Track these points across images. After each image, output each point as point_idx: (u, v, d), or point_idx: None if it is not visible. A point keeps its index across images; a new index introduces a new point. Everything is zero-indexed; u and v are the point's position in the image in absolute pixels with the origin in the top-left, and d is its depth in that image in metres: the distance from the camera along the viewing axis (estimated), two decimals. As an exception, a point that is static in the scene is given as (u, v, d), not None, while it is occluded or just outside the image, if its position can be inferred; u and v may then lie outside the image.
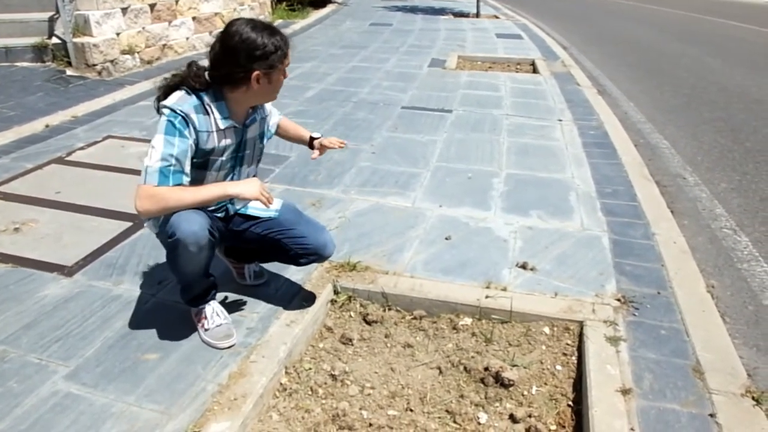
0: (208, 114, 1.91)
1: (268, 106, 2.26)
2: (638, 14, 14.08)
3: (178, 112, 1.85)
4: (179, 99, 1.88)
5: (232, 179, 2.08)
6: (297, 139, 2.46)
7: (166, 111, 1.86)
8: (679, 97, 6.20)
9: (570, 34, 10.61)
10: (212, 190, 1.90)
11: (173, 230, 1.84)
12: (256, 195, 1.89)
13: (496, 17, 12.56)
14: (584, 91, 6.06)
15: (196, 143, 1.90)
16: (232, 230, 2.18)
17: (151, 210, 1.84)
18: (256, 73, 1.86)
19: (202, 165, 1.96)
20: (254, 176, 2.24)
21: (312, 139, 2.42)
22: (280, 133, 2.42)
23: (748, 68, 7.60)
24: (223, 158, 2.00)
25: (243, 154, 2.08)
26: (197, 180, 1.97)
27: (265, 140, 2.22)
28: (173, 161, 1.83)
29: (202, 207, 1.93)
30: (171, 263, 1.99)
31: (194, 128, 1.87)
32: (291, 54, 1.96)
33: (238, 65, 1.85)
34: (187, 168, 1.88)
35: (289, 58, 1.94)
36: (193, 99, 1.89)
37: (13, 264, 2.60)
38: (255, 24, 1.88)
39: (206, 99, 1.91)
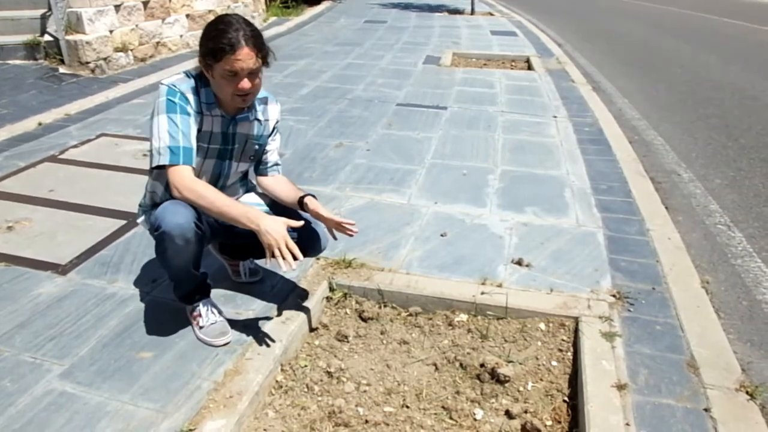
0: (199, 96, 1.94)
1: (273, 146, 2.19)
2: (632, 11, 14.10)
3: (177, 89, 1.89)
4: (179, 79, 1.93)
5: (220, 172, 2.08)
6: (285, 201, 2.16)
7: (164, 89, 1.89)
8: (674, 93, 6.22)
9: (564, 31, 10.61)
10: (243, 213, 1.82)
11: (159, 223, 1.85)
12: (268, 241, 1.76)
13: (491, 14, 12.56)
14: (579, 88, 6.07)
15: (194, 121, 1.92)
16: (224, 225, 2.16)
17: (185, 198, 1.82)
18: (199, 57, 1.89)
19: None
20: (245, 173, 2.23)
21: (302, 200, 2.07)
22: (264, 188, 2.23)
23: (742, 65, 7.62)
24: (208, 146, 2.00)
25: (232, 148, 2.07)
26: None
27: (261, 143, 2.15)
28: (180, 137, 1.85)
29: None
30: (159, 257, 1.99)
31: (192, 107, 1.91)
32: (234, 64, 1.80)
33: (198, 50, 1.90)
34: (194, 144, 1.90)
35: (227, 63, 1.80)
36: (191, 81, 1.94)
37: (6, 263, 2.58)
38: (232, 19, 1.87)
39: (199, 83, 1.95)
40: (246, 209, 1.86)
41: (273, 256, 1.79)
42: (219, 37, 1.81)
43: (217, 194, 1.87)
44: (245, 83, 1.86)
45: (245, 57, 1.82)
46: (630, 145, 4.40)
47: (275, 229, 1.79)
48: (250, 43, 1.83)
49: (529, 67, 7.14)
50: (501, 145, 4.22)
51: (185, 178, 1.83)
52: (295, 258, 1.79)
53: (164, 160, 1.84)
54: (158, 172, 2.04)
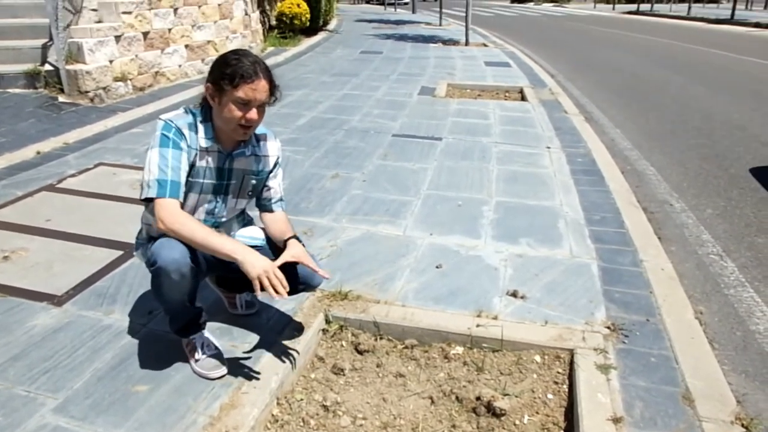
0: (196, 133, 1.97)
1: (274, 182, 2.21)
2: (622, 42, 14.38)
3: (173, 124, 1.92)
4: (177, 115, 1.97)
5: (215, 207, 2.09)
6: (276, 240, 2.15)
7: (160, 123, 1.92)
8: (665, 123, 6.32)
9: (557, 62, 10.80)
10: (225, 243, 1.87)
11: (154, 258, 1.87)
12: (256, 273, 1.79)
13: (485, 45, 12.78)
14: (572, 119, 6.16)
15: (188, 156, 1.95)
16: (220, 259, 2.17)
17: (168, 228, 1.85)
18: (208, 84, 1.93)
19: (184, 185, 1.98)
20: (243, 209, 2.25)
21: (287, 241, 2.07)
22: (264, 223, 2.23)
23: (731, 95, 7.76)
24: (204, 181, 2.02)
25: (228, 183, 2.08)
26: None
27: (260, 178, 2.17)
28: (169, 171, 1.88)
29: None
30: (155, 291, 2.00)
31: (187, 143, 1.94)
32: (249, 92, 1.86)
33: (207, 78, 1.95)
34: (183, 179, 1.92)
35: (242, 90, 1.85)
36: (189, 117, 1.97)
37: (1, 293, 2.58)
38: (249, 52, 1.95)
39: (198, 119, 1.98)
40: (227, 242, 1.89)
41: (262, 289, 1.81)
42: (239, 65, 1.87)
43: (200, 226, 1.89)
44: (253, 114, 1.91)
45: (261, 89, 1.89)
46: (622, 175, 4.46)
47: (257, 263, 1.82)
48: (266, 77, 1.91)
49: (523, 98, 7.25)
50: (495, 176, 4.27)
51: (170, 212, 1.86)
52: (281, 288, 1.82)
53: (152, 192, 1.87)
54: (153, 206, 2.06)
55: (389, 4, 25.34)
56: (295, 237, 2.10)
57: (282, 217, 2.22)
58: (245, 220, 2.30)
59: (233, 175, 2.09)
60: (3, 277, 2.73)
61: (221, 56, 1.95)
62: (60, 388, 2.01)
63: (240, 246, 1.89)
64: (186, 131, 1.94)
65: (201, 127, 1.98)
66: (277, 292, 1.82)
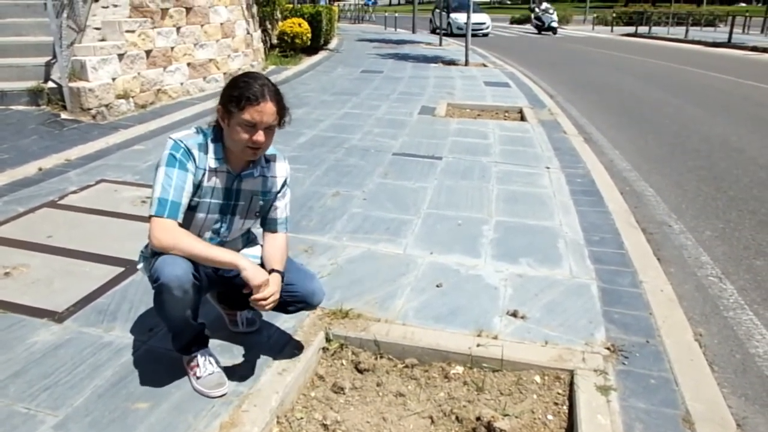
0: (206, 153, 1.99)
1: (281, 202, 2.21)
2: (621, 64, 14.54)
3: (182, 144, 1.94)
4: (187, 135, 1.99)
5: (221, 227, 2.10)
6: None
7: (169, 143, 1.95)
8: (663, 145, 6.37)
9: (556, 83, 10.91)
10: (224, 254, 1.94)
11: (157, 274, 1.88)
12: (257, 282, 1.90)
13: (485, 65, 12.92)
14: (571, 139, 6.21)
15: (194, 177, 1.97)
16: (222, 276, 2.19)
17: (163, 246, 1.88)
18: (218, 106, 1.97)
19: (191, 206, 2.00)
20: (249, 229, 2.27)
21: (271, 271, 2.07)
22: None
23: (729, 118, 7.84)
24: (212, 201, 2.03)
25: (236, 204, 2.10)
26: (186, 220, 2.00)
27: (267, 199, 2.17)
28: (171, 191, 1.91)
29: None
30: (158, 308, 2.01)
31: (195, 163, 1.96)
32: (255, 115, 1.88)
33: (218, 100, 1.98)
34: (185, 199, 1.94)
35: (248, 112, 1.87)
36: (200, 137, 2.00)
37: (2, 310, 2.58)
38: (259, 75, 1.98)
39: (208, 139, 2.00)
40: (226, 252, 1.95)
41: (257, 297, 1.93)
42: (246, 88, 1.89)
43: (196, 240, 1.94)
44: (260, 136, 1.93)
45: (267, 111, 1.91)
46: (621, 196, 4.49)
47: (260, 271, 1.94)
48: (274, 99, 1.93)
49: (522, 118, 7.31)
50: (495, 196, 4.30)
51: (164, 228, 1.89)
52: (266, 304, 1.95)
53: (152, 210, 1.91)
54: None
55: (460, 35, 24.00)
56: (279, 272, 2.06)
57: (281, 242, 2.19)
58: (249, 239, 2.32)
59: (241, 196, 2.10)
60: (4, 293, 2.73)
61: (232, 79, 1.98)
62: (60, 405, 2.00)
63: (240, 255, 1.96)
64: (195, 151, 1.96)
65: (211, 147, 2.00)
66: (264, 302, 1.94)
